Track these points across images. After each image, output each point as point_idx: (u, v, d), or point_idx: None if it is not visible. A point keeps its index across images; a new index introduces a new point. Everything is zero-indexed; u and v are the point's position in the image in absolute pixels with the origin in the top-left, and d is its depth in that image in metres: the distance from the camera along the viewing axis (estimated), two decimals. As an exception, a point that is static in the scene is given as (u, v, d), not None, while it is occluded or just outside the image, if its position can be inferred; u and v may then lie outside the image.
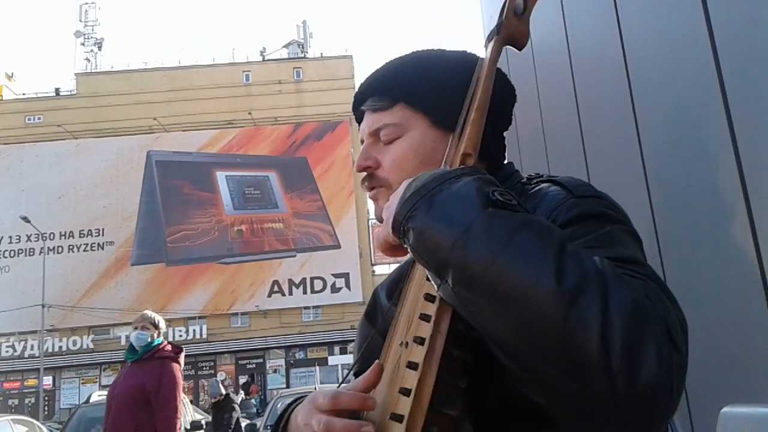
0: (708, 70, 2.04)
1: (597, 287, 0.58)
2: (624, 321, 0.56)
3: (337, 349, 30.73)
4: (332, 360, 30.27)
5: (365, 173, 0.94)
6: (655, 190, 2.64)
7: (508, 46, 0.84)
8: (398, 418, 0.65)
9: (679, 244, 2.49)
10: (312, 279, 31.95)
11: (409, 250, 0.69)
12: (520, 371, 0.63)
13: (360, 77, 35.59)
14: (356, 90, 0.98)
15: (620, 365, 0.55)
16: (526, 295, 0.58)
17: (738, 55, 1.93)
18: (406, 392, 0.66)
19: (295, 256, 32.03)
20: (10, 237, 31.62)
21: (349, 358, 26.17)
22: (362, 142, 0.96)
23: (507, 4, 0.82)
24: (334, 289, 31.90)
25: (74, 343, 30.50)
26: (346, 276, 31.86)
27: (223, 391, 9.84)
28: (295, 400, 0.83)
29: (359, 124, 0.99)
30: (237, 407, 10.02)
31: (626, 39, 2.83)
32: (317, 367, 24.79)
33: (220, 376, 31.25)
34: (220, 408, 9.67)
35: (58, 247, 31.40)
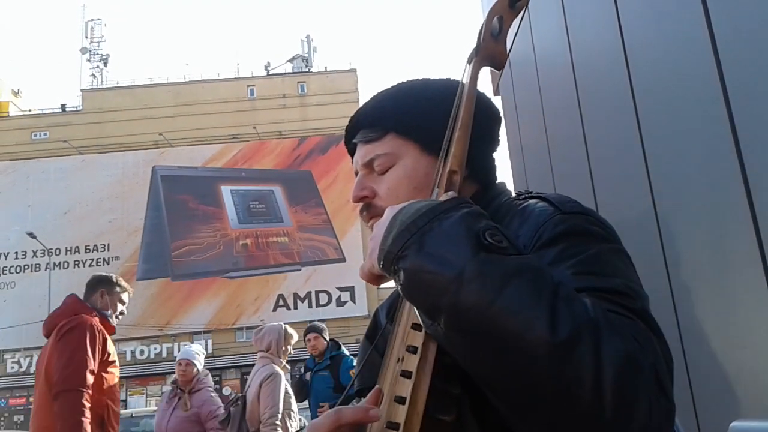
0: (710, 75, 2.04)
1: (590, 339, 0.58)
2: (616, 375, 0.57)
3: (342, 362, 30.60)
4: (338, 374, 30.15)
5: (362, 203, 0.96)
6: (659, 196, 2.63)
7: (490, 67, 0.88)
8: (394, 427, 0.65)
9: (684, 255, 2.47)
10: (317, 292, 31.91)
11: (400, 290, 0.69)
12: (509, 413, 0.63)
13: (364, 90, 35.87)
14: (347, 124, 1.01)
15: (612, 419, 0.57)
16: (519, 345, 0.59)
17: (740, 60, 1.93)
18: (401, 400, 0.66)
19: (300, 269, 32.02)
20: (16, 253, 31.71)
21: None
22: (356, 174, 0.98)
23: (484, 27, 0.85)
24: (340, 303, 31.85)
25: (80, 358, 30.48)
26: (351, 289, 31.82)
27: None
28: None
29: (352, 157, 1.01)
30: None
31: (628, 47, 2.84)
32: (323, 382, 24.69)
33: (226, 390, 31.17)
34: None
35: (63, 262, 31.48)
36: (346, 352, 5.53)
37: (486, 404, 0.69)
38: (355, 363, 5.09)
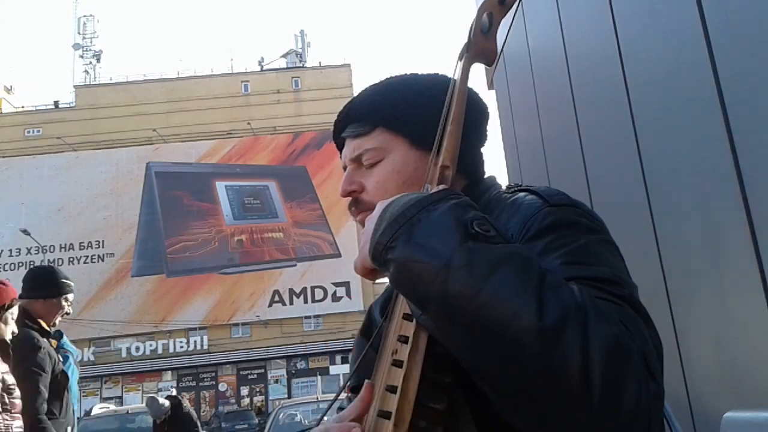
0: (704, 70, 2.05)
1: (577, 324, 0.59)
2: (604, 358, 0.57)
3: (338, 358, 30.65)
4: (333, 369, 30.19)
5: (351, 198, 0.95)
6: (653, 192, 2.64)
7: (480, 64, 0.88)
8: (386, 415, 0.66)
9: (678, 248, 2.49)
10: (313, 288, 31.92)
11: (389, 281, 0.70)
12: (501, 402, 0.64)
13: (358, 85, 35.84)
14: (335, 119, 1.01)
15: (600, 402, 0.57)
16: (507, 332, 0.59)
17: (733, 54, 1.94)
18: (392, 389, 0.67)
19: (295, 265, 32.01)
20: (10, 250, 31.62)
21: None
22: (344, 168, 0.98)
23: (474, 24, 0.85)
24: (335, 298, 31.87)
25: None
26: (346, 285, 31.82)
27: (167, 405, 7.47)
28: None
29: (340, 152, 1.01)
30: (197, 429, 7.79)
31: (623, 44, 2.85)
32: (319, 377, 24.74)
33: (222, 387, 31.17)
34: (171, 428, 7.44)
35: (58, 259, 31.38)
36: None
37: (481, 398, 0.69)
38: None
